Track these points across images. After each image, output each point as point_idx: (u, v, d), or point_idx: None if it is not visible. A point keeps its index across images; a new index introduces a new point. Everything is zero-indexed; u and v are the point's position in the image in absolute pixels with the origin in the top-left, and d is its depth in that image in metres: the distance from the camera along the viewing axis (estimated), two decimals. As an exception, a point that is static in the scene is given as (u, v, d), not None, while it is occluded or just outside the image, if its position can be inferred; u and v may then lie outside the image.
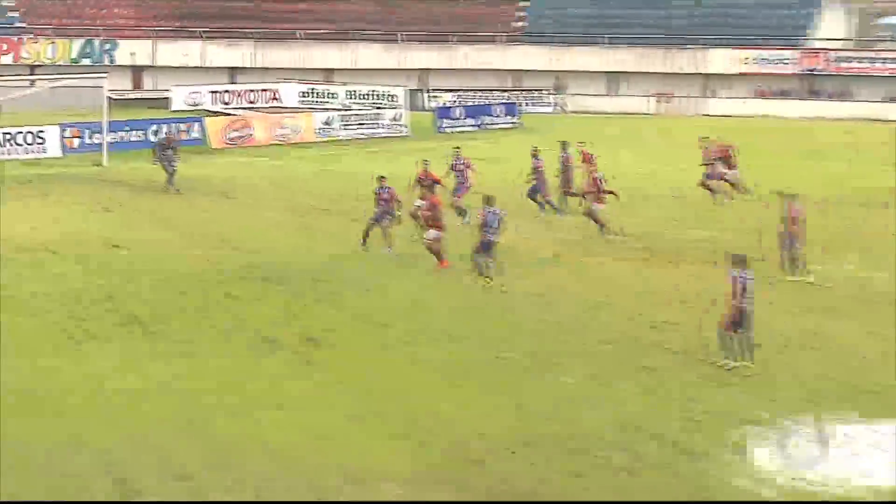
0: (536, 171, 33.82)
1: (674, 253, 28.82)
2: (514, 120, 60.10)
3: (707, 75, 69.60)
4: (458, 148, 34.52)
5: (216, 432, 16.58)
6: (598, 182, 30.52)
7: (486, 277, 25.24)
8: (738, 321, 19.73)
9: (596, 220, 30.32)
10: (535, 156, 34.04)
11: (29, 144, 44.49)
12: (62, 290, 24.17)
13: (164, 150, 37.86)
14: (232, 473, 15.29)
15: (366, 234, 28.38)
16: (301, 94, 63.71)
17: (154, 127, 47.71)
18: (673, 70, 69.36)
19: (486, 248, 25.58)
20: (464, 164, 33.22)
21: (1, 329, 21.10)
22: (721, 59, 69.30)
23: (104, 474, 15.19)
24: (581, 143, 35.70)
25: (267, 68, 67.43)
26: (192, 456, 15.75)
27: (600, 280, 25.98)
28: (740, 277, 19.72)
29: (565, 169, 34.15)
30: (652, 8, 72.15)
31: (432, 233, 26.93)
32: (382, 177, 28.91)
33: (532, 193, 33.81)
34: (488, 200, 26.21)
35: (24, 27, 66.66)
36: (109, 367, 19.27)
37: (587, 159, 34.19)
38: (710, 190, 36.07)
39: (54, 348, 20.24)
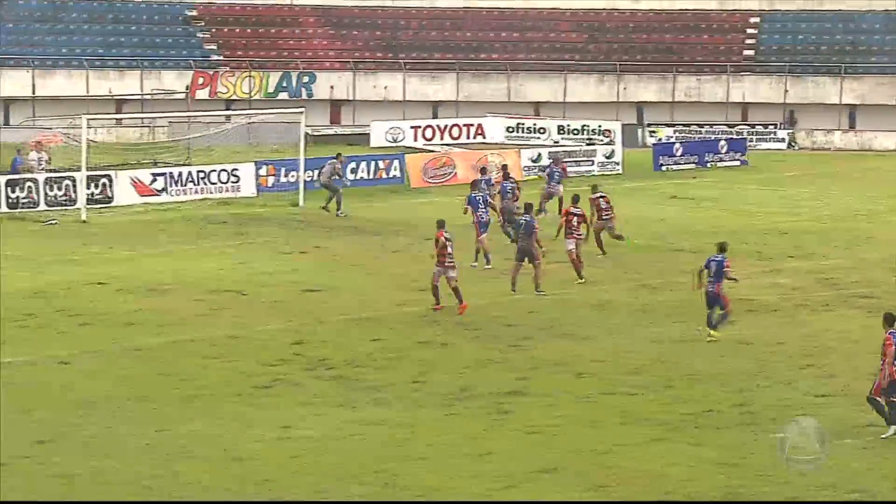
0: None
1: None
2: (740, 157, 59.82)
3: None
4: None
5: (405, 483, 17.38)
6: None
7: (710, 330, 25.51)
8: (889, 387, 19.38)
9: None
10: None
11: (223, 183, 46.45)
12: (251, 333, 25.47)
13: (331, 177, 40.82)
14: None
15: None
16: (507, 130, 64.78)
17: (352, 164, 49.23)
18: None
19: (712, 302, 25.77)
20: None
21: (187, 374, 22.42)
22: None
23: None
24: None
25: (471, 102, 68.73)
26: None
27: (815, 332, 26.03)
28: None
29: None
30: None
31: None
32: None
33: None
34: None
35: (220, 60, 69.63)
36: (296, 414, 20.30)
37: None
38: None
39: (240, 394, 21.40)
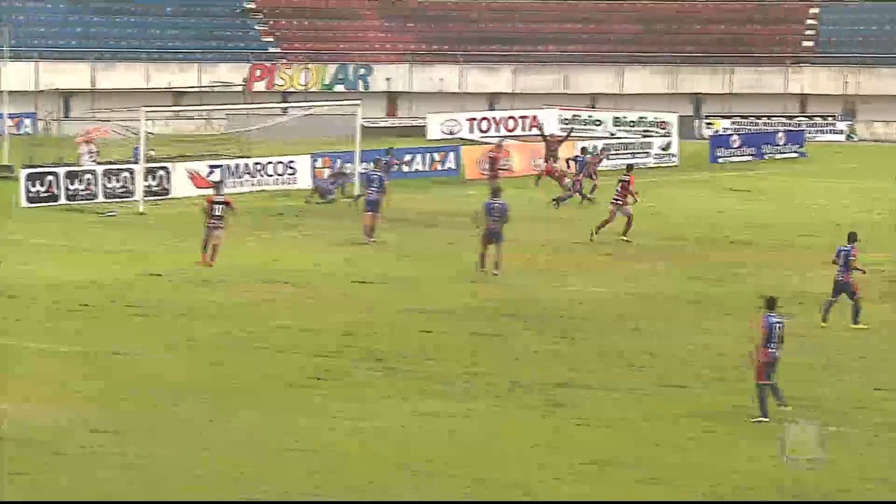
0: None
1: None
2: (799, 149, 59.36)
3: None
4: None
5: (455, 473, 17.38)
6: None
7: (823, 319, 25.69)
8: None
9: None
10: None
11: (279, 175, 46.69)
12: (304, 324, 25.55)
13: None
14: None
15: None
16: (563, 121, 64.60)
17: (408, 157, 49.34)
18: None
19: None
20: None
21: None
22: None
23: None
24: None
25: (527, 94, 68.65)
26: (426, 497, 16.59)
27: (876, 326, 25.81)
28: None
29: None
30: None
31: None
32: None
33: None
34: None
35: (278, 52, 69.88)
36: (348, 405, 20.33)
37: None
38: None
39: (292, 386, 21.45)
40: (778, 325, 20.05)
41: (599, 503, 16.47)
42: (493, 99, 69.86)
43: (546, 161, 46.81)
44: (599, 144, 54.00)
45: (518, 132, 62.97)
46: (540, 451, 18.27)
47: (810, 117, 67.18)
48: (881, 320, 26.45)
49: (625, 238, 35.44)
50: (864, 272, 26.63)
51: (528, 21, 72.08)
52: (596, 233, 35.42)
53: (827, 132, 66.41)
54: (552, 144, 47.81)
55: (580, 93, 68.99)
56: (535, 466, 17.64)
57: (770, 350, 19.96)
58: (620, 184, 36.31)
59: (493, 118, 65.05)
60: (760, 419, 19.67)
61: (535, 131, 62.93)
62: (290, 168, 46.99)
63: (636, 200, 36.28)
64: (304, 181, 46.65)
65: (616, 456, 18.12)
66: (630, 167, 38.59)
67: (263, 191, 45.13)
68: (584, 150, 48.27)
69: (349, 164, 45.10)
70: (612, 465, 17.78)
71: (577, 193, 42.80)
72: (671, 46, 69.85)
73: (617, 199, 36.10)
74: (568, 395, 20.97)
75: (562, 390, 21.20)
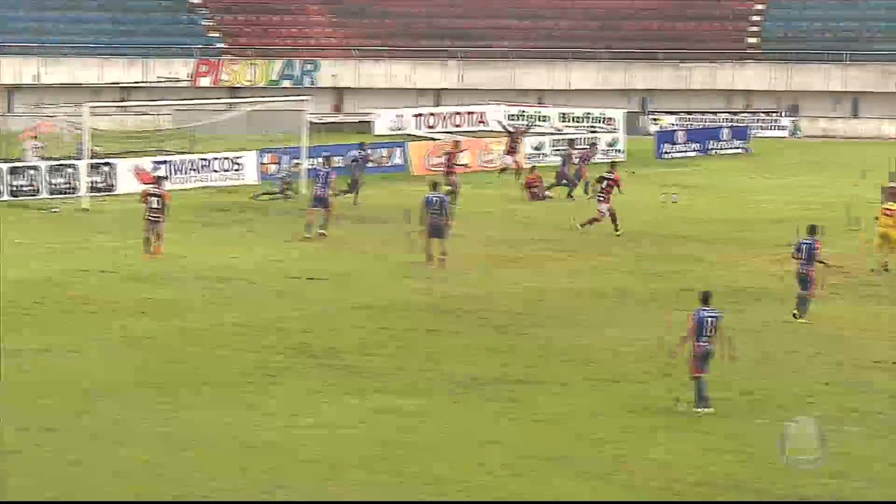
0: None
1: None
2: (743, 145, 59.70)
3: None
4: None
5: (413, 470, 17.29)
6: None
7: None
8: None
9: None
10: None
11: (225, 171, 46.37)
12: (257, 321, 25.35)
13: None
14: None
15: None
16: (510, 117, 64.61)
17: (355, 153, 49.16)
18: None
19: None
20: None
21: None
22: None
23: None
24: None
25: (474, 89, 68.59)
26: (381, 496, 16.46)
27: (823, 320, 25.92)
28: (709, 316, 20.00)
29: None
30: (900, 20, 70.72)
31: None
32: None
33: None
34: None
35: (224, 48, 69.42)
36: (304, 402, 20.20)
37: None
38: None
39: (248, 383, 21.30)
40: (710, 318, 20.05)
41: (591, 503, 16.35)
42: (439, 95, 69.79)
43: (509, 154, 47.15)
44: (545, 140, 54.17)
45: (465, 128, 62.99)
46: (477, 447, 18.23)
47: (755, 113, 67.59)
48: (831, 316, 26.55)
49: (617, 233, 35.73)
50: (829, 265, 26.70)
51: (476, 17, 72.02)
52: (581, 227, 36.10)
53: (771, 128, 66.84)
54: (516, 138, 48.10)
55: (527, 88, 69.07)
56: (472, 462, 17.61)
57: (701, 344, 19.99)
58: (606, 182, 36.37)
59: (440, 114, 65.04)
60: (704, 410, 19.68)
61: (481, 127, 63.14)
62: (237, 164, 46.71)
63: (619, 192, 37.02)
64: (251, 177, 46.40)
65: (573, 451, 18.09)
66: (614, 164, 39.24)
67: (209, 187, 44.86)
68: (571, 142, 48.89)
69: (297, 160, 44.90)
70: (569, 460, 17.74)
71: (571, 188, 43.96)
72: (617, 43, 70.05)
73: (601, 197, 36.13)
74: (525, 391, 20.93)
75: (499, 386, 21.18)
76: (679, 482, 17.00)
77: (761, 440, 18.59)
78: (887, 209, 31.52)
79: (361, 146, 44.78)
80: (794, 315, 25.92)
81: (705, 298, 20.40)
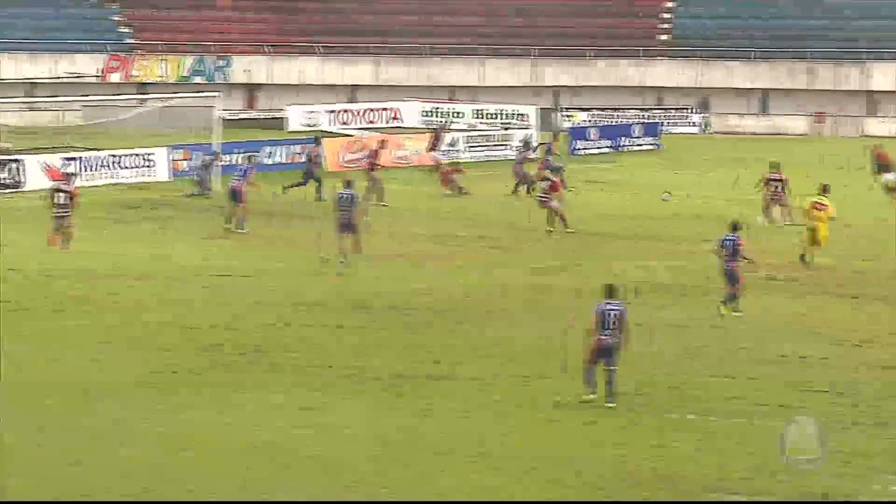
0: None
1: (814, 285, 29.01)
2: (654, 141, 60.11)
3: (871, 92, 68.77)
4: None
5: (311, 464, 17.13)
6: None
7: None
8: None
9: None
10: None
11: (136, 167, 45.85)
12: (175, 319, 25.03)
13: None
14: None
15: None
16: (423, 114, 64.56)
17: (269, 149, 48.83)
18: (831, 87, 68.62)
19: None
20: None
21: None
22: (886, 75, 68.45)
23: None
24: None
25: (388, 86, 68.47)
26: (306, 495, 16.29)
27: (750, 313, 26.12)
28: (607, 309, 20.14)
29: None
30: (808, 19, 71.60)
31: None
32: None
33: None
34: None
35: (134, 43, 68.71)
36: (223, 399, 19.97)
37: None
38: None
39: (165, 381, 21.03)
40: (612, 312, 20.06)
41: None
42: (353, 91, 69.58)
43: (432, 150, 46.99)
44: (459, 136, 54.21)
45: (379, 124, 62.83)
46: (389, 443, 18.13)
47: (666, 110, 68.11)
48: (750, 311, 26.73)
49: (568, 230, 35.79)
50: (752, 262, 26.83)
51: (390, 13, 71.89)
52: (552, 227, 35.83)
53: (682, 124, 67.39)
54: (440, 134, 47.98)
55: (441, 85, 69.09)
56: (385, 458, 17.50)
57: (602, 337, 20.00)
58: (549, 183, 36.50)
59: (354, 110, 64.84)
60: (587, 397, 19.78)
61: (396, 123, 63.03)
62: (148, 160, 46.21)
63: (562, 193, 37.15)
64: (162, 174, 45.93)
65: (496, 447, 18.04)
66: (558, 169, 39.19)
67: (120, 184, 44.36)
68: (527, 143, 48.17)
69: (209, 157, 44.48)
70: (491, 456, 17.68)
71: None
72: (531, 39, 70.25)
73: (543, 198, 36.28)
74: (417, 386, 20.88)
75: (411, 381, 21.10)
76: (605, 477, 16.99)
77: (681, 434, 18.65)
78: (818, 203, 31.77)
79: (316, 140, 44.61)
80: (720, 309, 25.93)
81: (609, 292, 20.41)
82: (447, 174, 44.33)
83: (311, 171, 42.18)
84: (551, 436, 18.68)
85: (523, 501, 16.35)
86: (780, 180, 37.09)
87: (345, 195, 31.43)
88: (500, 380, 21.39)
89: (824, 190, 32.44)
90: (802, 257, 31.38)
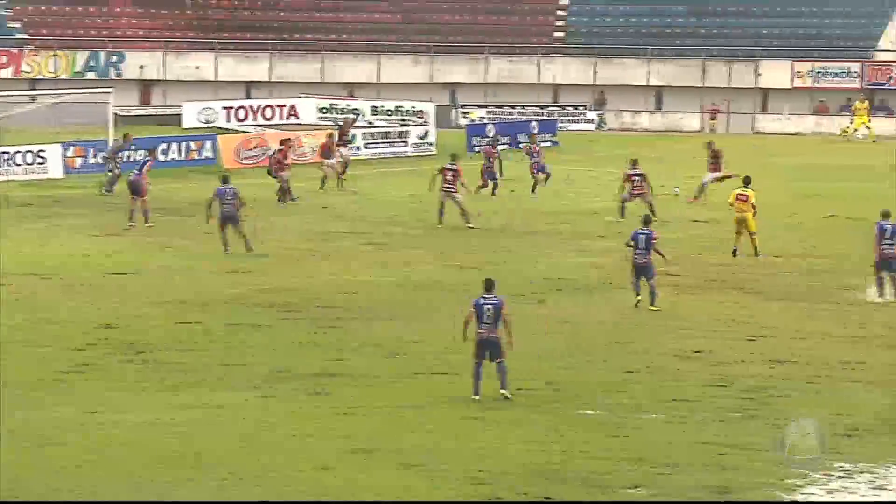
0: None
1: (704, 279, 29.33)
2: (552, 138, 60.42)
3: (763, 90, 69.76)
4: None
5: (217, 464, 16.99)
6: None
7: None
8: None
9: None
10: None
11: (28, 164, 45.24)
12: (57, 317, 24.71)
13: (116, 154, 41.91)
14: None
15: None
16: (320, 110, 64.32)
17: (163, 146, 48.36)
18: (724, 84, 69.48)
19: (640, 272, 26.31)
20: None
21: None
22: (778, 73, 69.48)
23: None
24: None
25: (284, 82, 68.13)
26: (195, 493, 16.16)
27: (626, 309, 26.31)
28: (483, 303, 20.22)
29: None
30: (701, 17, 72.47)
31: None
32: None
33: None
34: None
35: (25, 38, 67.66)
36: (105, 398, 19.73)
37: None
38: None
39: (45, 380, 20.73)
40: (488, 306, 20.08)
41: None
42: (249, 87, 69.13)
43: (340, 146, 46.52)
44: (356, 133, 53.99)
45: (276, 121, 62.51)
46: (303, 441, 18.04)
47: (562, 107, 68.52)
48: (632, 306, 26.94)
49: (471, 226, 35.92)
50: (666, 259, 26.96)
51: (286, 9, 71.54)
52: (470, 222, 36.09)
53: (578, 121, 67.84)
54: (346, 130, 47.74)
55: (338, 81, 68.89)
56: (299, 457, 17.41)
57: (481, 331, 20.05)
58: (451, 173, 36.52)
59: (251, 107, 64.40)
60: (474, 396, 19.81)
61: (293, 120, 62.72)
62: (40, 157, 45.59)
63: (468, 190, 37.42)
64: (56, 171, 45.32)
65: (382, 443, 18.02)
66: (455, 156, 38.82)
67: (12, 181, 43.69)
68: (494, 141, 47.99)
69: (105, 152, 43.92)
70: (378, 452, 17.67)
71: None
72: (427, 36, 70.27)
73: (448, 188, 36.36)
74: (329, 383, 20.80)
75: (322, 379, 21.02)
76: (490, 472, 17.02)
77: (566, 429, 18.74)
78: (741, 195, 32.11)
79: (287, 141, 44.11)
80: (636, 304, 26.12)
81: (488, 286, 20.39)
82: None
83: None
84: (443, 431, 18.65)
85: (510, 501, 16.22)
86: (641, 175, 37.51)
87: (226, 190, 32.26)
88: (394, 376, 21.38)
89: (746, 182, 32.81)
90: (734, 252, 31.68)
